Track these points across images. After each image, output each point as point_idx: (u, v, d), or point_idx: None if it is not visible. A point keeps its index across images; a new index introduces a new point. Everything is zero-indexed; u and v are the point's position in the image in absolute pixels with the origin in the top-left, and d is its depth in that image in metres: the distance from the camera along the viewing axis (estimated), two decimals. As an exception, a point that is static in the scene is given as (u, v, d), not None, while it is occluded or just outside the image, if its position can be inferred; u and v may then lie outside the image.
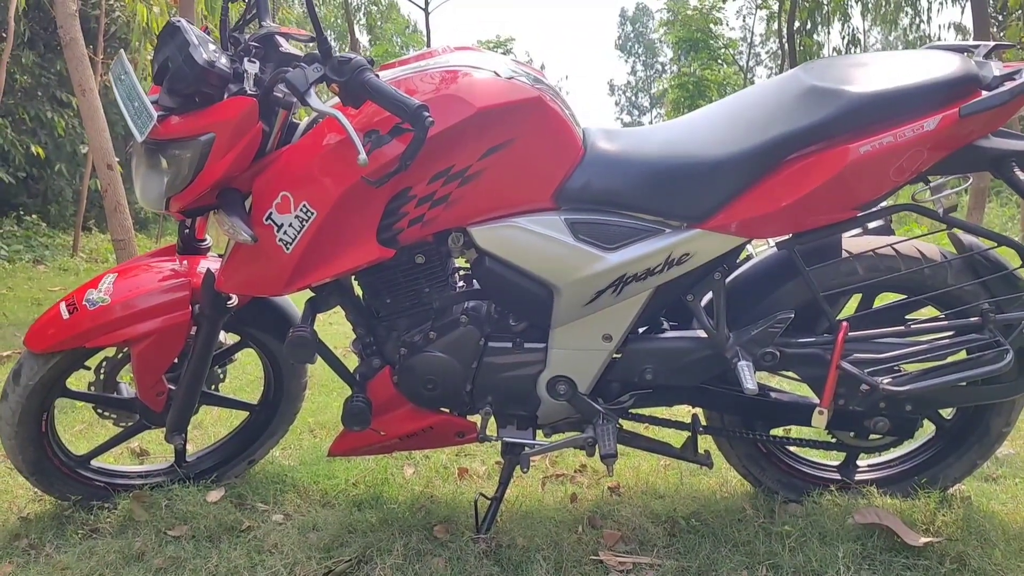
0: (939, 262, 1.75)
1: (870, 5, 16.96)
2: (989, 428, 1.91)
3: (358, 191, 1.57)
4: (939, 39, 17.15)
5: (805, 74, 1.69)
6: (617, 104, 48.68)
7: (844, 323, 1.70)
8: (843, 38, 17.64)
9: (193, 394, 1.96)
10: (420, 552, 1.77)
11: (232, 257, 1.73)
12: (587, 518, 1.94)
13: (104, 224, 9.10)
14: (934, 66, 1.63)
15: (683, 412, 2.21)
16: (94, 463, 2.09)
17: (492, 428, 1.86)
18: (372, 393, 1.81)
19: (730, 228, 1.65)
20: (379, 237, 1.62)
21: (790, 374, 1.88)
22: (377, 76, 1.46)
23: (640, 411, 1.95)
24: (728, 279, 1.76)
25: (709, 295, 1.75)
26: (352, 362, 1.89)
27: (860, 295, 1.88)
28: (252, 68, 1.61)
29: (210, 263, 1.93)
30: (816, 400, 1.79)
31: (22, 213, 9.69)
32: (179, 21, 1.63)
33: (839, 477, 2.02)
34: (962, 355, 1.77)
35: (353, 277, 1.80)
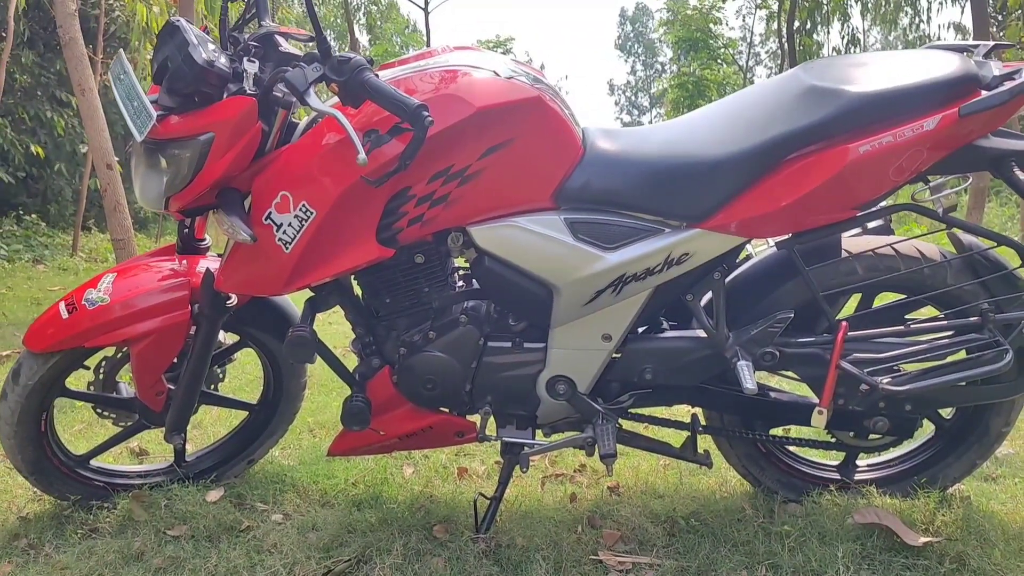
0: (939, 262, 1.75)
1: (870, 5, 16.97)
2: (988, 428, 1.91)
3: (357, 191, 1.57)
4: (939, 39, 17.15)
5: (805, 74, 1.69)
6: (617, 104, 48.75)
7: (844, 323, 1.70)
8: (843, 38, 17.67)
9: (192, 394, 1.96)
10: (419, 552, 1.77)
11: (231, 257, 1.73)
12: (586, 518, 1.94)
13: (104, 224, 9.11)
14: (934, 66, 1.63)
15: (683, 412, 2.21)
16: (93, 463, 2.09)
17: (492, 428, 1.86)
18: (371, 393, 1.81)
19: (730, 228, 1.65)
20: (378, 237, 1.62)
21: (790, 374, 1.88)
22: (376, 76, 1.46)
23: (639, 411, 1.95)
24: (728, 279, 1.76)
25: (709, 295, 1.75)
26: (351, 362, 1.89)
27: (860, 295, 1.88)
28: (251, 68, 1.61)
29: (209, 263, 1.93)
30: (815, 400, 1.79)
31: (22, 213, 9.68)
32: (178, 20, 1.63)
33: (838, 477, 2.02)
34: (962, 355, 1.77)
35: (352, 277, 1.80)
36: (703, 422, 1.97)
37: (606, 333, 1.74)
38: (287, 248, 1.61)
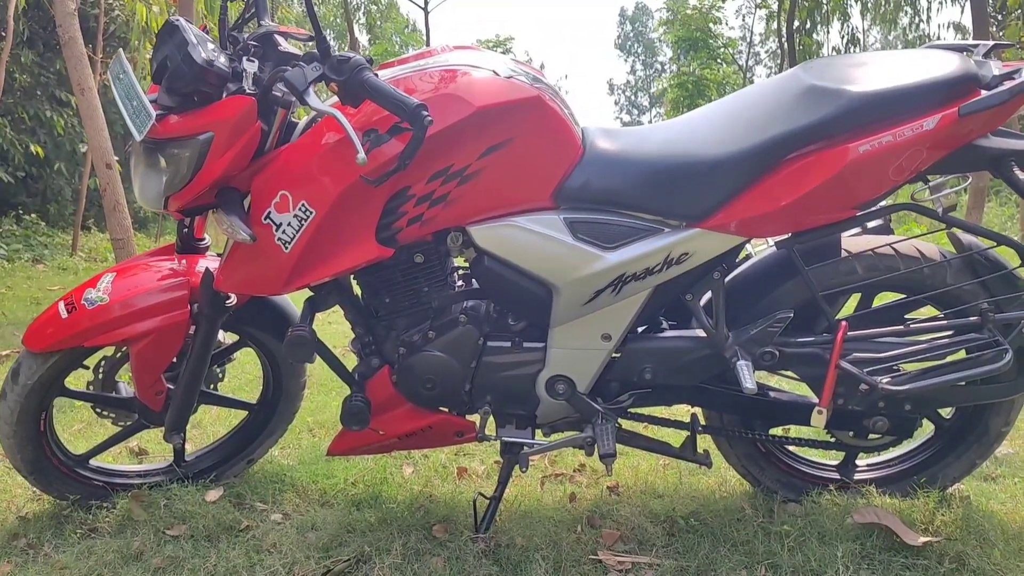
0: (938, 261, 1.75)
1: (869, 4, 16.96)
2: (988, 427, 1.91)
3: (357, 190, 1.57)
4: (938, 38, 17.15)
5: (804, 73, 1.69)
6: (616, 103, 48.74)
7: (843, 322, 1.69)
8: (842, 37, 17.66)
9: (192, 393, 1.95)
10: (419, 551, 1.77)
11: (231, 256, 1.73)
12: (586, 517, 1.94)
13: (103, 223, 9.10)
14: (933, 65, 1.63)
15: (682, 411, 2.21)
16: (93, 462, 2.08)
17: (491, 427, 1.86)
18: (371, 392, 1.81)
19: (729, 227, 1.65)
20: (378, 236, 1.62)
21: (789, 373, 1.88)
22: (376, 75, 1.45)
23: (639, 410, 1.95)
24: (727, 278, 1.76)
25: (708, 294, 1.75)
26: (351, 361, 1.89)
27: (859, 294, 1.88)
28: (251, 67, 1.61)
29: (209, 262, 1.93)
30: (815, 399, 1.79)
31: (21, 212, 9.68)
32: (178, 20, 1.63)
33: (838, 477, 2.02)
34: (961, 354, 1.77)
35: (352, 276, 1.80)
36: (703, 422, 1.97)
37: (606, 333, 1.74)
38: (286, 248, 1.61)
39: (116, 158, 5.63)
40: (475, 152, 1.58)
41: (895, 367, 1.73)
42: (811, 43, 15.06)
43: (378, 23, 24.99)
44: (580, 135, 1.70)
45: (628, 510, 1.96)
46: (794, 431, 2.16)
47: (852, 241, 1.79)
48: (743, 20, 33.04)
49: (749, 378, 1.65)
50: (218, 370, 2.16)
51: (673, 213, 1.66)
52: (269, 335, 2.06)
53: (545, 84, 1.67)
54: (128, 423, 2.05)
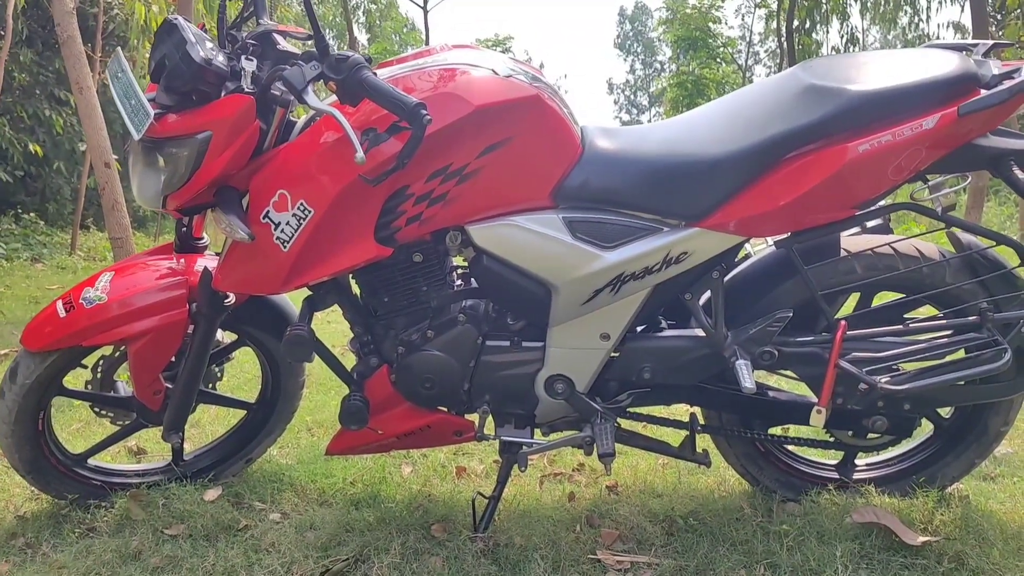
0: (937, 261, 1.75)
1: (869, 4, 16.97)
2: (987, 427, 1.91)
3: (356, 189, 1.56)
4: (938, 38, 17.17)
5: (804, 73, 1.69)
6: (616, 103, 48.74)
7: (842, 322, 1.69)
8: (842, 37, 17.67)
9: (190, 393, 1.95)
10: (418, 551, 1.77)
11: (229, 255, 1.72)
12: (585, 517, 1.94)
13: (102, 222, 9.09)
14: (933, 65, 1.62)
15: (681, 411, 2.21)
16: (91, 462, 2.08)
17: (490, 427, 1.86)
18: (370, 392, 1.80)
19: (728, 227, 1.65)
20: (377, 235, 1.62)
21: (788, 373, 1.88)
22: (374, 74, 1.45)
23: (638, 410, 1.94)
24: (726, 278, 1.76)
25: (707, 294, 1.75)
26: (350, 361, 1.88)
27: (858, 294, 1.88)
28: (249, 66, 1.61)
29: (207, 261, 1.93)
30: (814, 399, 1.79)
31: (20, 211, 9.66)
32: (176, 19, 1.62)
33: (837, 476, 2.02)
34: (960, 354, 1.77)
35: (351, 275, 1.79)
36: (702, 421, 1.97)
37: (604, 332, 1.74)
38: (285, 247, 1.61)
39: (115, 157, 5.62)
40: (474, 151, 1.58)
41: (894, 366, 1.73)
42: (810, 42, 15.07)
43: (377, 22, 24.99)
44: (579, 134, 1.70)
45: (627, 509, 1.96)
46: (793, 430, 2.16)
47: (851, 240, 1.79)
48: (742, 19, 33.09)
49: (748, 377, 1.65)
50: (217, 369, 2.15)
51: (672, 212, 1.66)
52: (268, 334, 2.06)
53: (544, 83, 1.67)
54: (126, 422, 2.05)
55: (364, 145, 1.46)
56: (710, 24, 20.24)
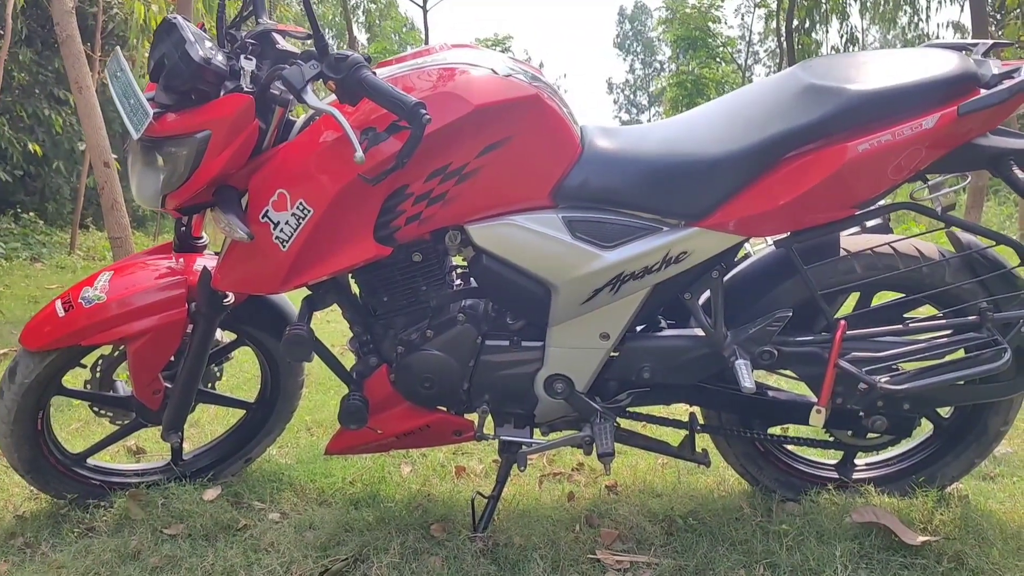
0: (937, 261, 1.75)
1: (868, 3, 16.97)
2: (987, 427, 1.91)
3: (355, 189, 1.56)
4: (937, 37, 17.17)
5: (803, 72, 1.68)
6: (615, 102, 48.73)
7: (842, 321, 1.69)
8: (841, 36, 17.68)
9: (189, 392, 1.95)
10: (417, 551, 1.76)
11: (228, 255, 1.72)
12: (584, 517, 1.93)
13: (102, 222, 9.08)
14: (932, 64, 1.62)
15: (681, 411, 2.20)
16: (90, 461, 2.08)
17: (489, 426, 1.86)
18: (369, 391, 1.80)
19: (728, 226, 1.65)
20: (376, 235, 1.62)
21: (788, 372, 1.88)
22: (374, 73, 1.45)
23: (638, 409, 1.94)
24: (726, 277, 1.75)
25: (707, 293, 1.75)
26: (349, 360, 1.88)
27: (858, 293, 1.88)
28: (248, 65, 1.61)
29: (207, 261, 1.93)
30: (814, 399, 1.79)
31: (20, 211, 9.66)
32: (175, 18, 1.62)
33: (837, 476, 2.02)
34: (960, 354, 1.77)
35: (350, 275, 1.79)
36: (701, 421, 1.97)
37: (604, 332, 1.74)
38: (284, 246, 1.61)
39: (114, 156, 5.62)
40: (473, 150, 1.58)
41: (894, 366, 1.73)
42: (810, 42, 15.08)
43: (377, 22, 24.99)
44: (579, 134, 1.70)
45: (626, 509, 1.96)
46: (793, 430, 2.16)
47: (851, 240, 1.79)
48: (742, 19, 33.09)
49: (748, 377, 1.65)
50: (216, 369, 2.15)
51: (672, 212, 1.66)
52: (267, 334, 2.05)
53: (544, 83, 1.67)
54: (126, 422, 2.05)
55: (363, 144, 1.46)
56: (710, 24, 20.23)
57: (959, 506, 1.90)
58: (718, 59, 20.73)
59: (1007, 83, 1.57)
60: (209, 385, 2.15)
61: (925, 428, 2.01)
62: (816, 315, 1.80)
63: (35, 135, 9.45)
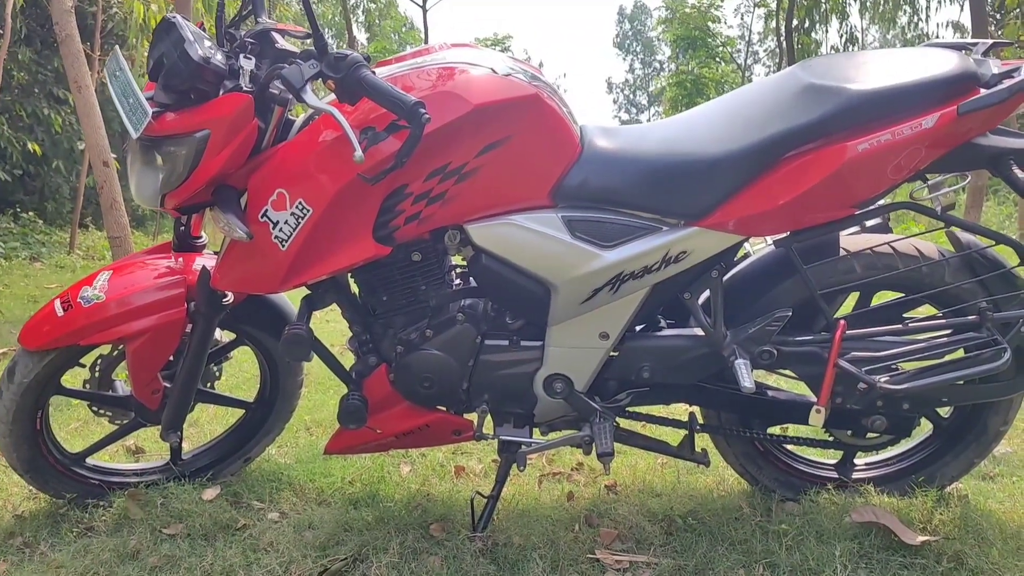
0: (937, 260, 1.75)
1: (868, 3, 16.97)
2: (987, 426, 1.91)
3: (354, 188, 1.56)
4: (937, 37, 17.16)
5: (803, 72, 1.68)
6: (615, 102, 48.73)
7: (842, 321, 1.69)
8: (841, 36, 17.68)
9: (189, 392, 1.95)
10: (416, 550, 1.76)
11: (228, 254, 1.72)
12: (584, 516, 1.93)
13: (101, 221, 9.08)
14: (932, 64, 1.62)
15: (680, 410, 2.20)
16: (89, 461, 2.08)
17: (489, 426, 1.86)
18: (368, 391, 1.80)
19: (728, 226, 1.65)
20: (375, 234, 1.62)
21: (788, 372, 1.88)
22: (373, 73, 1.45)
23: (637, 409, 1.94)
24: (725, 277, 1.75)
25: (706, 293, 1.75)
26: (348, 360, 1.88)
27: (858, 293, 1.88)
28: (248, 64, 1.60)
29: (206, 260, 1.93)
30: (813, 398, 1.79)
31: (19, 210, 9.66)
32: (174, 17, 1.62)
33: (836, 475, 2.02)
34: (960, 353, 1.76)
35: (349, 274, 1.79)
36: (701, 421, 1.97)
37: (603, 331, 1.74)
38: (283, 246, 1.61)
39: (113, 156, 5.62)
40: (473, 150, 1.58)
41: (893, 366, 1.73)
42: (809, 42, 15.09)
43: (376, 21, 24.99)
44: (578, 133, 1.70)
45: (626, 509, 1.95)
46: (792, 430, 2.16)
47: (850, 240, 1.79)
48: (742, 19, 33.10)
49: (747, 377, 1.65)
50: (215, 368, 2.15)
51: (671, 211, 1.66)
52: (266, 333, 2.05)
53: (543, 82, 1.67)
54: (125, 421, 2.05)
55: (363, 144, 1.46)
56: (709, 23, 20.23)
57: (959, 506, 1.90)
58: (718, 59, 20.73)
59: (1007, 83, 1.57)
60: (208, 385, 2.15)
61: (925, 428, 2.01)
62: (816, 315, 1.80)
63: (34, 134, 9.45)
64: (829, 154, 1.58)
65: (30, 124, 9.51)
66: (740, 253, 1.82)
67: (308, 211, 1.58)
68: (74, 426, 2.64)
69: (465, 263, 1.74)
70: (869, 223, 1.80)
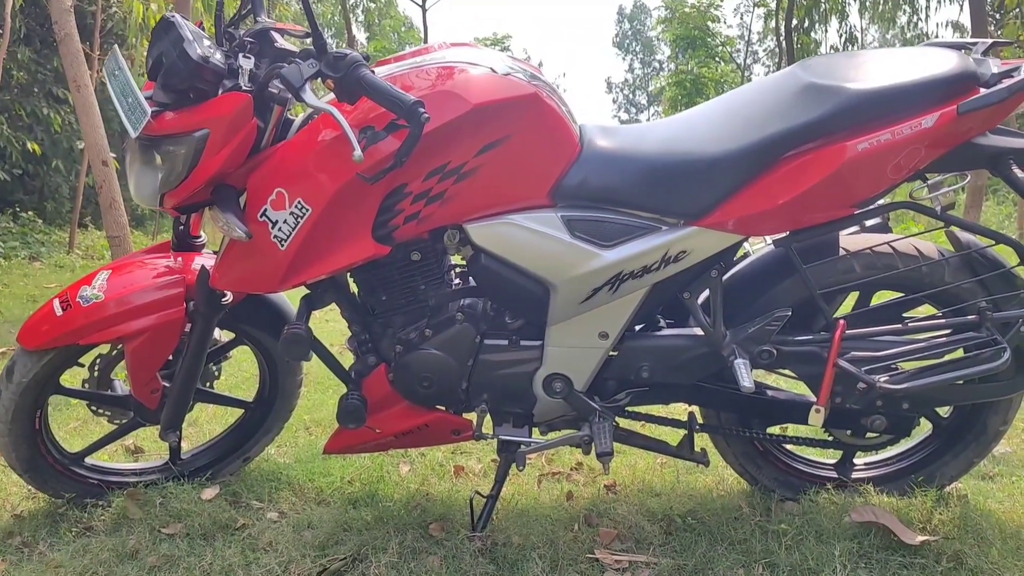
0: (936, 260, 1.75)
1: (868, 3, 16.96)
2: (986, 426, 1.91)
3: (353, 187, 1.56)
4: (936, 37, 17.15)
5: (803, 71, 1.68)
6: (614, 102, 48.76)
7: (841, 321, 1.69)
8: (840, 36, 17.67)
9: (188, 391, 1.95)
10: (415, 550, 1.76)
11: (227, 254, 1.72)
12: (583, 516, 1.93)
13: (100, 221, 9.08)
14: (932, 63, 1.62)
15: (680, 410, 2.20)
16: (88, 460, 2.08)
17: (488, 426, 1.86)
18: (367, 391, 1.80)
19: (727, 225, 1.64)
20: (375, 234, 1.62)
21: (787, 372, 1.88)
22: (372, 72, 1.45)
23: (636, 409, 1.94)
24: (725, 277, 1.75)
25: (706, 293, 1.75)
26: (348, 360, 1.88)
27: (857, 293, 1.88)
28: (247, 64, 1.60)
29: (205, 260, 1.92)
30: (813, 398, 1.79)
31: (18, 210, 9.66)
32: (173, 16, 1.62)
33: (836, 475, 2.02)
34: (959, 353, 1.76)
35: (349, 274, 1.79)
36: (700, 420, 1.97)
37: (603, 331, 1.73)
38: (282, 245, 1.61)
39: (112, 155, 5.62)
40: (472, 149, 1.58)
41: (893, 366, 1.72)
42: (809, 41, 15.08)
43: (376, 21, 24.98)
44: (578, 133, 1.70)
45: (625, 509, 1.95)
46: (792, 430, 2.16)
47: (850, 239, 1.79)
48: (741, 18, 33.10)
49: (747, 376, 1.65)
50: (214, 368, 2.15)
51: (671, 211, 1.66)
52: (265, 333, 2.05)
53: (543, 81, 1.67)
54: (124, 421, 2.04)
55: (362, 143, 1.46)
56: (709, 23, 20.25)
57: (958, 505, 1.90)
58: (717, 58, 20.75)
59: (1006, 82, 1.57)
60: (207, 384, 2.15)
61: (924, 427, 2.01)
62: (815, 314, 1.79)
63: (34, 134, 9.45)
64: (829, 154, 1.58)
65: (29, 123, 9.51)
66: (739, 253, 1.82)
67: (307, 210, 1.58)
68: (73, 426, 2.64)
69: (464, 263, 1.74)
70: (869, 223, 1.80)
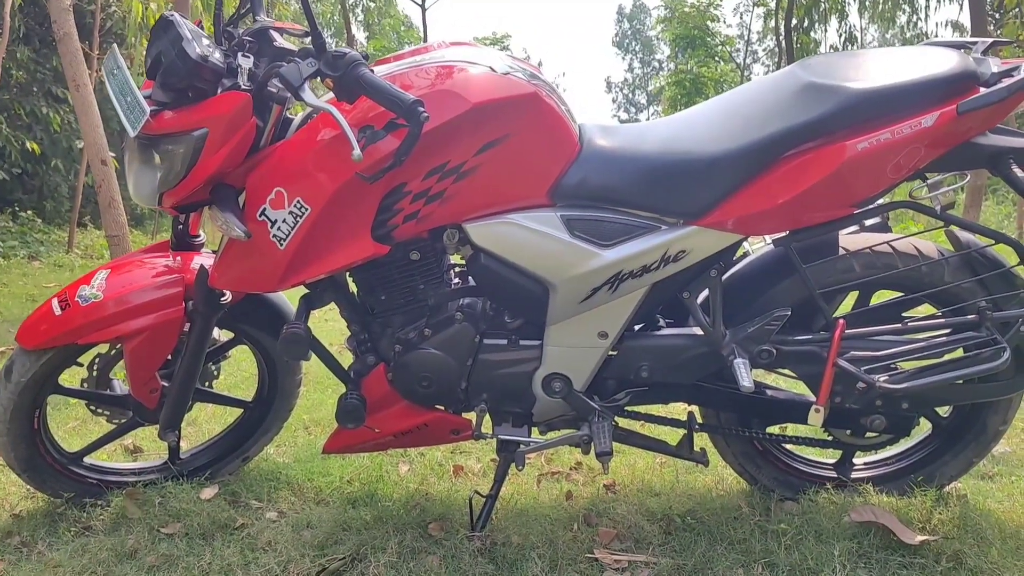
0: (936, 259, 1.75)
1: (867, 2, 16.96)
2: (986, 426, 1.90)
3: (352, 187, 1.56)
4: (936, 36, 17.16)
5: (802, 70, 1.68)
6: (614, 101, 48.77)
7: (841, 320, 1.69)
8: (840, 35, 17.67)
9: (187, 391, 1.95)
10: (415, 550, 1.76)
11: (226, 253, 1.72)
12: (582, 516, 1.93)
13: (99, 220, 9.08)
14: (932, 62, 1.62)
15: (679, 410, 2.20)
16: (87, 460, 2.08)
17: (487, 425, 1.85)
18: (367, 390, 1.80)
19: (727, 225, 1.64)
20: (374, 233, 1.61)
21: (787, 372, 1.88)
22: (372, 71, 1.45)
23: (636, 408, 1.94)
24: (724, 276, 1.75)
25: (705, 292, 1.75)
26: (347, 359, 1.88)
27: (857, 292, 1.88)
28: (246, 63, 1.60)
29: (204, 259, 1.92)
30: (812, 398, 1.79)
31: (17, 209, 9.66)
32: (172, 15, 1.61)
33: (835, 475, 2.02)
34: (959, 353, 1.76)
35: (348, 273, 1.79)
36: (700, 420, 1.97)
37: (602, 330, 1.73)
38: (282, 244, 1.60)
39: (111, 154, 5.62)
40: (471, 148, 1.57)
41: (893, 365, 1.72)
42: (809, 41, 15.08)
43: (376, 20, 24.96)
44: (577, 132, 1.69)
45: (625, 508, 1.95)
46: (791, 429, 2.16)
47: (850, 239, 1.79)
48: (741, 18, 33.11)
49: (746, 376, 1.65)
50: (213, 367, 2.15)
51: (670, 210, 1.66)
52: (264, 332, 2.05)
53: (542, 81, 1.67)
54: (123, 421, 2.04)
55: (361, 142, 1.46)
56: (708, 22, 20.25)
57: (958, 505, 1.90)
58: (717, 58, 20.75)
59: (1006, 81, 1.57)
60: (206, 384, 2.15)
61: (924, 427, 2.00)
62: (815, 314, 1.79)
63: (33, 133, 9.45)
64: (828, 153, 1.58)
65: (28, 123, 9.51)
66: (739, 252, 1.82)
67: (306, 210, 1.57)
68: (72, 425, 2.64)
69: (464, 262, 1.74)
70: (868, 222, 1.80)
